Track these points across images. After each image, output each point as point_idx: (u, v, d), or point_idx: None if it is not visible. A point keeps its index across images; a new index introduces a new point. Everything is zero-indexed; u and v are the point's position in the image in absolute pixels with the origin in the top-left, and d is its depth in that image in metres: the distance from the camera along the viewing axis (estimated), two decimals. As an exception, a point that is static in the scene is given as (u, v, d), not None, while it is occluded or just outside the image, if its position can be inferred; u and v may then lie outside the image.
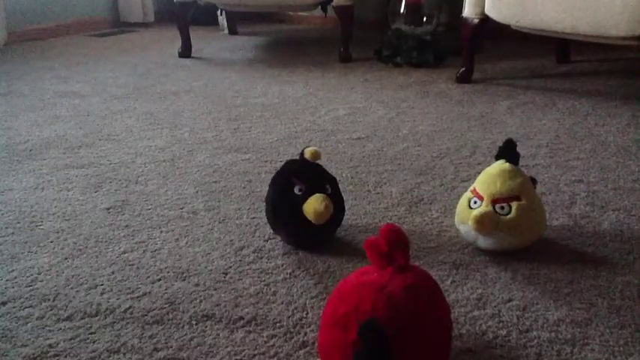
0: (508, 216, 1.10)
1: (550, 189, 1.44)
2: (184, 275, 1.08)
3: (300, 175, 1.15)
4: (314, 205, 1.10)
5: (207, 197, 1.41)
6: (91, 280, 1.06)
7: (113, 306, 0.99)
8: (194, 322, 0.95)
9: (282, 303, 1.00)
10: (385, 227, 0.79)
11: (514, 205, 1.10)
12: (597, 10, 1.95)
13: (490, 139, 1.79)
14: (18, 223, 1.29)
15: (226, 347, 0.89)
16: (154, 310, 0.98)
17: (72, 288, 1.04)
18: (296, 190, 1.14)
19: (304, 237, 1.16)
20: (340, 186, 1.24)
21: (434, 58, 2.78)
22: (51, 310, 0.98)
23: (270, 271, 1.10)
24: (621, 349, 0.88)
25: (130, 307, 0.99)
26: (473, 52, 2.45)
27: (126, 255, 1.15)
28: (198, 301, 1.00)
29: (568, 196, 1.40)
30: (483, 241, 1.13)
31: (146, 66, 2.83)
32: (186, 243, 1.20)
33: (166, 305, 0.99)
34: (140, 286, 1.05)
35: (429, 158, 1.64)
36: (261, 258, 1.14)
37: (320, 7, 3.00)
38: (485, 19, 2.32)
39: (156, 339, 0.91)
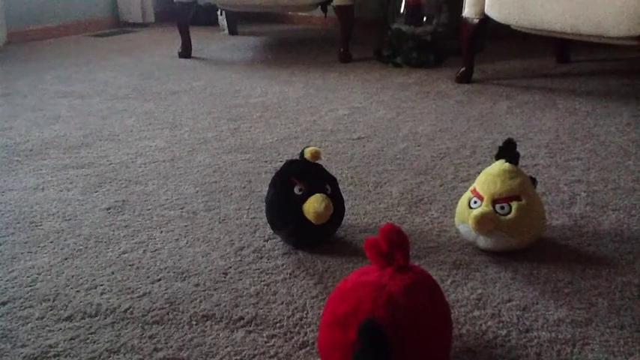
0: (508, 216, 1.10)
1: (550, 189, 1.44)
2: (184, 275, 1.08)
3: (300, 175, 1.15)
4: (314, 205, 1.10)
5: (207, 197, 1.41)
6: (91, 280, 1.06)
7: (113, 306, 0.99)
8: (194, 322, 0.95)
9: (282, 303, 1.00)
10: (385, 227, 0.79)
11: (514, 205, 1.10)
12: (597, 10, 1.95)
13: (490, 139, 1.79)
14: (18, 223, 1.29)
15: (226, 347, 0.89)
16: (154, 310, 0.98)
17: (72, 288, 1.04)
18: (296, 190, 1.14)
19: (304, 237, 1.16)
20: (340, 186, 1.24)
21: (434, 58, 2.78)
22: (51, 310, 0.98)
23: (270, 271, 1.10)
24: (621, 349, 0.88)
25: (130, 307, 0.99)
26: (473, 52, 2.45)
27: (126, 255, 1.15)
28: (198, 301, 1.00)
29: (568, 196, 1.40)
30: (483, 241, 1.13)
31: (146, 66, 2.83)
32: (186, 243, 1.20)
33: (166, 305, 0.99)
34: (140, 286, 1.05)
35: (429, 158, 1.64)
36: (261, 258, 1.14)
37: (320, 7, 3.00)
38: (485, 19, 2.32)
39: (156, 339, 0.91)
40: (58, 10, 3.64)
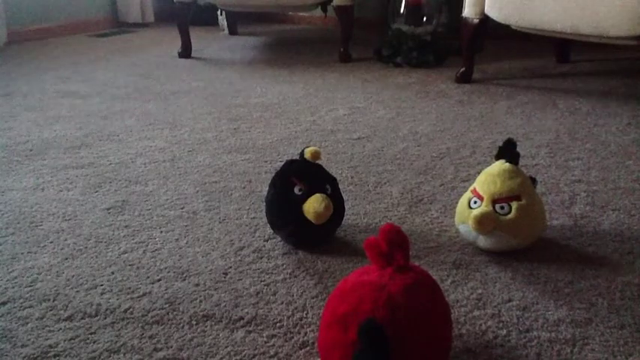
0: (508, 216, 1.10)
1: (550, 189, 1.44)
2: (184, 275, 1.08)
3: (300, 175, 1.15)
4: (314, 205, 1.10)
5: (207, 197, 1.41)
6: (91, 280, 1.06)
7: (113, 306, 0.99)
8: (194, 322, 0.95)
9: (282, 303, 1.00)
10: (385, 227, 0.79)
11: (514, 205, 1.10)
12: (597, 10, 1.95)
13: (490, 139, 1.79)
14: (18, 223, 1.29)
15: (226, 347, 0.89)
16: (154, 310, 0.98)
17: (72, 288, 1.04)
18: (296, 190, 1.14)
19: (304, 237, 1.16)
20: (340, 186, 1.24)
21: (434, 58, 2.78)
22: (51, 310, 0.98)
23: (270, 271, 1.10)
24: (621, 349, 0.88)
25: (130, 307, 0.99)
26: (473, 52, 2.45)
27: (126, 255, 1.15)
28: (198, 301, 1.00)
29: (568, 196, 1.40)
30: (483, 241, 1.13)
31: (146, 66, 2.83)
32: (186, 243, 1.20)
33: (166, 305, 0.99)
34: (140, 286, 1.05)
35: (429, 158, 1.64)
36: (261, 258, 1.14)
37: (320, 7, 3.00)
38: (485, 19, 2.32)
39: (156, 339, 0.91)
40: (58, 10, 3.64)
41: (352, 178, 1.51)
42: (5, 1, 3.28)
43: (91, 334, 0.92)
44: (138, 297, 1.01)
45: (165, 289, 1.04)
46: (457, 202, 1.21)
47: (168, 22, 4.03)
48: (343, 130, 1.88)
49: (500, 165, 1.14)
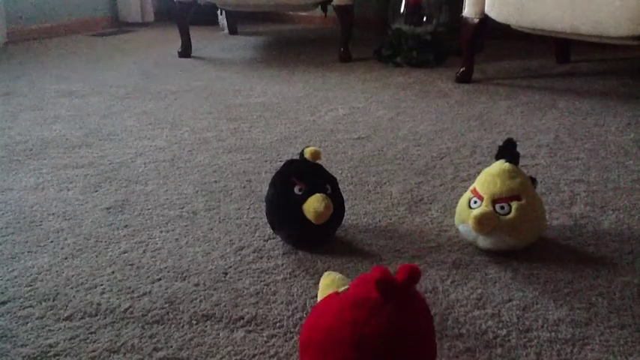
0: (508, 216, 1.10)
1: (550, 189, 1.44)
2: (184, 275, 1.08)
3: (300, 175, 1.15)
4: (314, 205, 1.10)
5: (207, 197, 1.41)
6: (91, 280, 1.06)
7: (113, 306, 0.99)
8: (194, 322, 0.95)
9: (282, 303, 1.00)
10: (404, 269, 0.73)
11: (514, 204, 1.10)
12: (597, 10, 1.95)
13: (490, 139, 1.79)
14: (18, 222, 1.29)
15: (226, 347, 0.89)
16: (154, 309, 0.98)
17: (72, 288, 1.04)
18: (296, 190, 1.14)
19: (304, 237, 1.16)
20: (340, 186, 1.24)
21: (434, 58, 2.78)
22: (51, 309, 0.98)
23: (270, 271, 1.10)
24: (621, 349, 0.88)
25: (130, 306, 0.99)
26: (473, 52, 2.45)
27: (126, 255, 1.15)
28: (198, 301, 1.00)
29: (568, 196, 1.40)
30: (483, 241, 1.13)
31: (146, 66, 2.83)
32: (186, 243, 1.20)
33: (166, 305, 0.99)
34: (140, 286, 1.05)
35: (429, 158, 1.64)
36: (261, 258, 1.14)
37: (320, 7, 3.00)
38: (485, 19, 2.32)
39: (156, 339, 0.91)
40: (57, 10, 3.64)
41: (352, 178, 1.51)
42: (5, 1, 3.27)
43: (91, 333, 0.92)
44: (138, 297, 1.01)
45: (165, 289, 1.04)
46: (457, 202, 1.21)
47: (168, 22, 4.04)
48: (343, 130, 1.88)
49: (500, 165, 1.14)
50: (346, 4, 2.84)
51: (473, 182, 1.19)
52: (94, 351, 0.88)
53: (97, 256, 1.15)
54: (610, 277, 1.07)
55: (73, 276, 1.08)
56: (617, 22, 1.91)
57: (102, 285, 1.05)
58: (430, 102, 2.19)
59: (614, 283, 1.05)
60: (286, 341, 0.90)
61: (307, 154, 1.18)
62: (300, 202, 1.12)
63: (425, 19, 3.01)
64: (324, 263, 1.12)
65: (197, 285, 1.05)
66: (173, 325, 0.94)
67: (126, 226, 1.27)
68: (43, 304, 1.00)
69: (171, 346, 0.89)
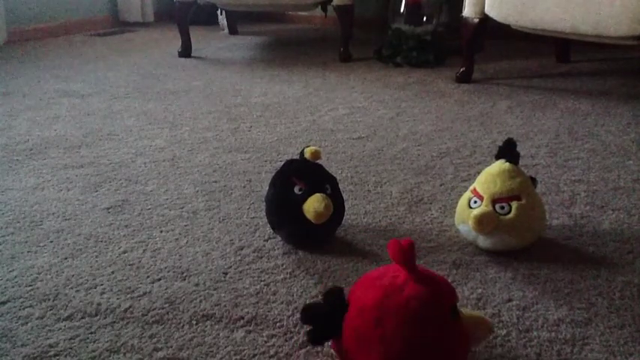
0: (508, 216, 1.10)
1: (550, 189, 1.44)
2: (184, 275, 1.08)
3: (301, 175, 1.15)
4: (314, 205, 1.10)
5: (207, 197, 1.41)
6: (91, 280, 1.06)
7: (113, 306, 0.99)
8: (194, 322, 0.95)
9: (282, 303, 1.00)
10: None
11: (514, 204, 1.10)
12: (597, 10, 1.95)
13: (490, 138, 1.79)
14: (18, 222, 1.29)
15: (226, 347, 0.89)
16: (154, 309, 0.98)
17: (72, 288, 1.04)
18: (296, 190, 1.14)
19: (304, 237, 1.16)
20: (340, 185, 1.24)
21: (434, 58, 2.78)
22: (51, 309, 0.98)
23: (270, 271, 1.10)
24: (621, 349, 0.88)
25: (130, 306, 0.99)
26: (473, 52, 2.45)
27: (126, 255, 1.15)
28: (198, 300, 1.00)
29: (568, 196, 1.40)
30: (483, 241, 1.13)
31: (146, 66, 2.83)
32: (186, 243, 1.20)
33: (166, 305, 0.99)
34: (140, 285, 1.05)
35: (429, 158, 1.64)
36: (261, 258, 1.14)
37: (320, 7, 3.00)
38: (485, 19, 2.32)
39: (156, 339, 0.91)
40: (58, 10, 3.64)
41: (352, 177, 1.51)
42: (5, 1, 3.27)
43: (91, 333, 0.92)
44: (138, 296, 1.01)
45: (165, 289, 1.04)
46: (457, 202, 1.21)
47: (168, 22, 4.04)
48: (343, 130, 1.88)
49: (500, 165, 1.14)
50: (346, 4, 2.84)
51: (473, 182, 1.19)
52: (94, 351, 0.88)
53: (97, 256, 1.15)
54: (610, 277, 1.07)
55: (73, 276, 1.08)
56: (617, 22, 1.91)
57: (102, 285, 1.05)
58: (430, 102, 2.19)
59: (614, 283, 1.05)
60: (286, 341, 0.90)
61: (307, 154, 1.17)
62: (300, 202, 1.12)
63: (425, 19, 3.01)
64: (324, 263, 1.12)
65: (197, 285, 1.05)
66: (173, 325, 0.94)
67: (126, 226, 1.27)
68: (43, 304, 1.00)
69: (171, 346, 0.89)
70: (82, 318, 0.96)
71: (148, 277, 1.07)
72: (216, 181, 1.50)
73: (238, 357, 0.87)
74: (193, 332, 0.92)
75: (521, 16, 2.17)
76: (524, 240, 1.13)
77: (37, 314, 0.97)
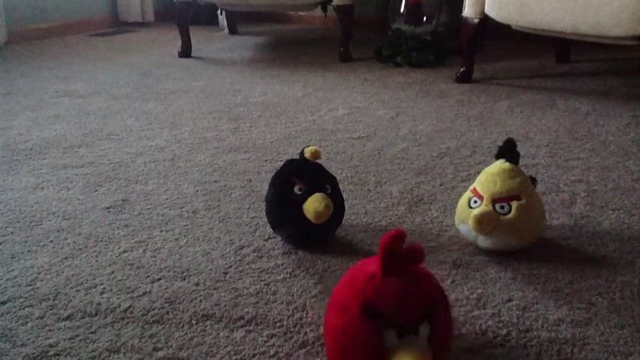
0: (508, 216, 1.10)
1: (550, 189, 1.44)
2: (184, 275, 1.08)
3: (300, 175, 1.15)
4: (314, 205, 1.10)
5: (207, 197, 1.41)
6: (91, 280, 1.06)
7: (113, 305, 0.99)
8: (194, 322, 0.95)
9: (282, 303, 1.00)
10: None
11: (514, 204, 1.10)
12: (597, 10, 1.95)
13: (490, 138, 1.79)
14: (18, 222, 1.29)
15: (226, 347, 0.89)
16: (153, 309, 0.98)
17: (72, 287, 1.04)
18: (296, 190, 1.14)
19: (304, 237, 1.16)
20: (340, 185, 1.24)
21: (434, 58, 2.78)
22: (51, 309, 0.98)
23: (270, 270, 1.10)
24: (621, 349, 0.88)
25: (130, 306, 0.99)
26: (473, 52, 2.45)
27: (126, 254, 1.15)
28: (198, 300, 1.00)
29: (568, 196, 1.40)
30: (483, 241, 1.13)
31: (146, 66, 2.83)
32: (186, 242, 1.20)
33: (166, 305, 0.99)
34: (140, 285, 1.05)
35: (429, 158, 1.64)
36: (261, 258, 1.14)
37: (320, 7, 3.00)
38: (485, 19, 2.32)
39: (156, 338, 0.91)
40: (57, 10, 3.64)
41: (352, 177, 1.51)
42: (5, 1, 3.27)
43: (91, 333, 0.92)
44: (138, 296, 1.01)
45: (165, 289, 1.04)
46: (457, 202, 1.21)
47: (168, 22, 4.03)
48: (343, 130, 1.88)
49: (500, 165, 1.14)
50: (346, 4, 2.84)
51: (473, 182, 1.19)
52: (94, 351, 0.88)
53: (97, 256, 1.15)
54: (610, 277, 1.07)
55: (73, 276, 1.08)
56: (617, 22, 1.91)
57: (102, 285, 1.05)
58: (430, 102, 2.19)
59: (614, 283, 1.05)
60: (286, 341, 0.90)
61: (307, 154, 1.17)
62: (300, 202, 1.12)
63: (425, 19, 3.01)
64: (324, 263, 1.12)
65: (197, 285, 1.05)
66: (173, 325, 0.94)
67: (126, 226, 1.27)
68: (43, 303, 1.00)
69: (171, 346, 0.89)
70: (82, 318, 0.96)
71: (148, 276, 1.07)
72: (216, 181, 1.50)
73: (238, 357, 0.87)
74: (193, 332, 0.92)
75: (522, 16, 2.17)
76: (524, 240, 1.13)
77: (37, 314, 0.97)
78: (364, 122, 1.96)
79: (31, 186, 1.48)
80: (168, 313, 0.97)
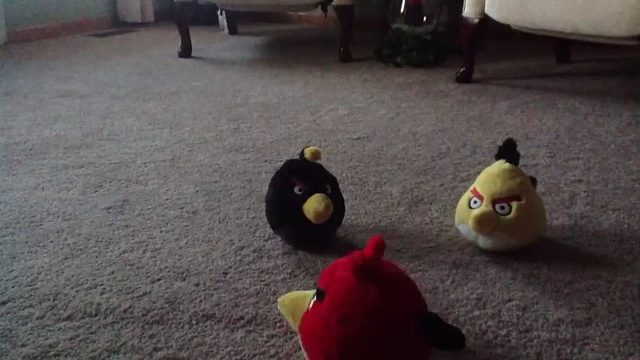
0: (508, 216, 1.10)
1: (550, 189, 1.44)
2: (184, 275, 1.08)
3: (300, 175, 1.15)
4: (314, 205, 1.10)
5: (207, 197, 1.41)
6: (91, 280, 1.06)
7: (113, 306, 0.99)
8: (194, 322, 0.95)
9: (282, 303, 1.00)
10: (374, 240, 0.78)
11: (514, 204, 1.10)
12: (597, 10, 1.95)
13: (490, 139, 1.79)
14: (18, 222, 1.29)
15: (226, 347, 0.89)
16: (154, 310, 0.98)
17: (72, 288, 1.04)
18: (296, 190, 1.14)
19: (304, 237, 1.16)
20: (340, 186, 1.24)
21: (434, 58, 2.78)
22: (51, 309, 0.98)
23: (270, 271, 1.10)
24: (621, 349, 0.88)
25: (130, 307, 0.99)
26: (473, 52, 2.45)
27: (126, 255, 1.15)
28: (198, 301, 1.00)
29: (568, 196, 1.40)
30: (483, 241, 1.13)
31: (146, 66, 2.83)
32: (186, 243, 1.20)
33: (166, 305, 0.99)
34: (140, 286, 1.05)
35: (429, 158, 1.64)
36: (261, 258, 1.14)
37: (320, 7, 3.00)
38: (485, 19, 2.32)
39: (156, 339, 0.91)
40: (57, 10, 3.64)
41: (352, 178, 1.51)
42: (5, 1, 3.27)
43: (91, 333, 0.92)
44: (138, 297, 1.01)
45: (165, 289, 1.04)
46: (457, 202, 1.21)
47: (168, 22, 4.03)
48: (343, 130, 1.88)
49: (500, 165, 1.14)
50: (346, 4, 2.84)
51: (473, 182, 1.19)
52: (94, 351, 0.88)
53: (97, 257, 1.15)
54: (610, 277, 1.07)
55: (73, 276, 1.08)
56: (617, 22, 1.91)
57: (102, 285, 1.05)
58: (430, 102, 2.19)
59: (614, 283, 1.05)
60: (286, 341, 0.90)
61: (307, 154, 1.17)
62: (300, 202, 1.12)
63: (425, 19, 3.01)
64: (324, 263, 1.12)
65: (197, 285, 1.05)
66: (173, 325, 0.94)
67: (126, 226, 1.27)
68: (43, 304, 1.00)
69: (172, 346, 0.89)
70: (82, 318, 0.96)
71: (148, 277, 1.07)
72: (216, 181, 1.50)
73: (238, 357, 0.87)
74: (193, 332, 0.92)
75: (522, 16, 2.17)
76: (524, 240, 1.13)
77: (37, 314, 0.97)
78: (364, 122, 1.96)
79: (31, 186, 1.48)
80: (168, 313, 0.97)
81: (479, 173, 1.20)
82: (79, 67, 2.80)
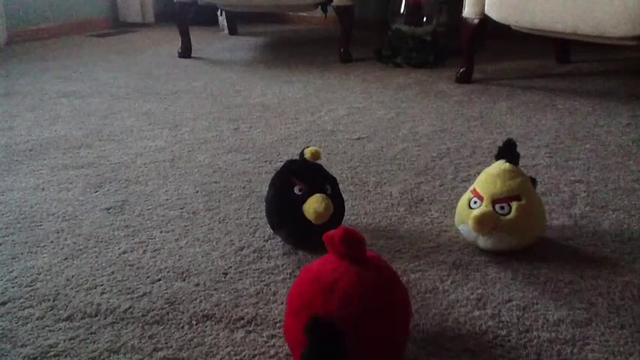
0: (508, 216, 1.10)
1: (550, 189, 1.44)
2: (184, 275, 1.08)
3: (300, 175, 1.15)
4: (314, 205, 1.10)
5: (207, 197, 1.41)
6: (91, 280, 1.06)
7: (113, 306, 0.99)
8: (194, 322, 0.95)
9: (282, 303, 1.00)
10: (340, 231, 0.81)
11: (514, 205, 1.10)
12: (597, 10, 1.95)
13: (490, 139, 1.79)
14: (18, 223, 1.29)
15: (226, 347, 0.89)
16: (154, 310, 0.98)
17: (72, 288, 1.04)
18: (296, 190, 1.14)
19: (304, 237, 1.16)
20: (340, 186, 1.24)
21: (434, 58, 2.78)
22: (51, 310, 0.98)
23: (270, 271, 1.10)
24: (621, 349, 0.88)
25: (130, 307, 0.99)
26: (473, 52, 2.45)
27: (126, 255, 1.15)
28: (198, 301, 1.00)
29: (568, 196, 1.40)
30: (483, 241, 1.13)
31: (146, 66, 2.83)
32: (186, 243, 1.20)
33: (166, 305, 0.99)
34: (140, 286, 1.05)
35: (428, 158, 1.64)
36: (261, 258, 1.14)
37: (320, 7, 3.00)
38: (485, 19, 2.32)
39: (156, 339, 0.91)
40: (58, 10, 3.64)
41: (352, 178, 1.51)
42: (5, 1, 3.28)
43: (91, 334, 0.92)
44: (138, 297, 1.01)
45: (166, 289, 1.04)
46: (457, 202, 1.21)
47: (168, 22, 4.03)
48: (343, 130, 1.88)
49: (500, 165, 1.14)
50: (346, 4, 2.84)
51: (473, 182, 1.19)
52: (94, 351, 0.88)
53: (97, 257, 1.15)
54: (610, 277, 1.07)
55: (73, 276, 1.08)
56: (617, 22, 1.91)
57: (102, 285, 1.05)
58: (430, 102, 2.19)
59: (614, 283, 1.05)
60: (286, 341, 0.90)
61: (307, 154, 1.18)
62: (300, 203, 1.12)
63: (425, 19, 3.01)
64: (324, 263, 1.12)
65: (197, 285, 1.05)
66: (173, 326, 0.94)
67: (126, 227, 1.27)
68: (43, 304, 1.00)
69: (172, 347, 0.89)
70: (82, 318, 0.96)
71: (148, 277, 1.08)
72: (216, 182, 1.50)
73: (238, 357, 0.87)
74: (193, 332, 0.92)
75: (522, 16, 2.17)
76: (524, 240, 1.13)
77: (37, 315, 0.97)
78: (364, 123, 1.96)
79: (32, 187, 1.48)
80: (168, 313, 0.97)
81: (479, 173, 1.20)
82: (79, 68, 2.80)
